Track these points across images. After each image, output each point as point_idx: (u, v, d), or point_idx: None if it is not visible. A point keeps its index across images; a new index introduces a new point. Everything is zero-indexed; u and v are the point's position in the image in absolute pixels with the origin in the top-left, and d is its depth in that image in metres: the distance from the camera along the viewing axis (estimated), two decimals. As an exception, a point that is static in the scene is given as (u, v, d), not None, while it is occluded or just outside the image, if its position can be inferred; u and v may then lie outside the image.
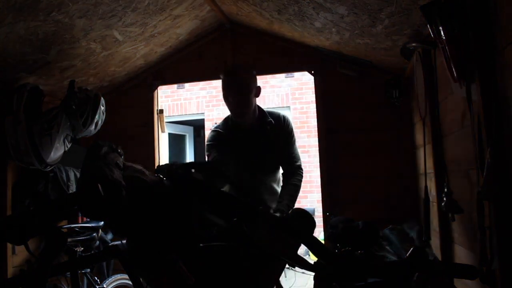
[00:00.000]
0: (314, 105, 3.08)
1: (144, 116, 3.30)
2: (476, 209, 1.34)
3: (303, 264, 1.20)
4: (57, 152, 2.43)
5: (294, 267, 1.29)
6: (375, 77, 2.88)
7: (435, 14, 1.39)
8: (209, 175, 1.31)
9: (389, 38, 2.17)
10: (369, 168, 2.89)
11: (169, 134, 6.42)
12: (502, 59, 1.20)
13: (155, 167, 1.36)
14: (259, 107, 2.28)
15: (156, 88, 3.31)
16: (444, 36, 1.37)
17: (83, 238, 2.53)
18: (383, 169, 2.87)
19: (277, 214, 2.00)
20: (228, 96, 2.16)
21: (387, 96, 2.79)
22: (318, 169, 3.06)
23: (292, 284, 3.38)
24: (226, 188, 2.10)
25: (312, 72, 3.04)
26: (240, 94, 2.13)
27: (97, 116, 2.63)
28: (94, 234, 2.60)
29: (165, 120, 3.42)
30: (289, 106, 6.79)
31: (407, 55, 2.25)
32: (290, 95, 6.83)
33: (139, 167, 1.36)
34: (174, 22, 2.68)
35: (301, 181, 2.26)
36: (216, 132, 2.29)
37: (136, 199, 1.24)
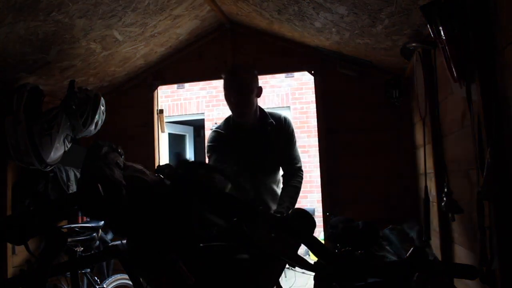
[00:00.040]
0: (314, 105, 3.08)
1: (144, 116, 3.30)
2: (476, 209, 1.34)
3: (303, 264, 1.20)
4: (57, 152, 2.43)
5: (294, 267, 1.29)
6: (375, 77, 2.88)
7: (435, 14, 1.39)
8: (209, 175, 1.31)
9: (389, 38, 2.17)
10: (369, 168, 2.89)
11: (169, 134, 6.42)
12: (502, 59, 1.20)
13: (155, 167, 1.36)
14: (260, 108, 2.28)
15: (156, 88, 3.31)
16: (444, 36, 1.37)
17: (83, 238, 2.53)
18: (383, 169, 2.87)
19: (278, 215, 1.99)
20: (230, 96, 2.16)
21: (387, 96, 2.79)
22: (318, 169, 3.06)
23: (292, 284, 3.38)
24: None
25: (312, 72, 3.04)
26: (241, 94, 2.13)
27: (97, 116, 2.63)
28: (94, 234, 2.60)
29: (165, 120, 3.42)
30: (289, 106, 6.79)
31: (407, 55, 2.25)
32: (290, 95, 6.83)
33: (139, 167, 1.36)
34: (174, 22, 2.68)
35: (301, 182, 2.26)
36: (216, 133, 2.29)
37: (137, 199, 1.23)
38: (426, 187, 2.16)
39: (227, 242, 1.29)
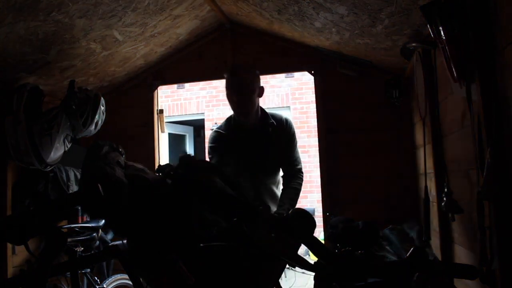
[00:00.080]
0: (314, 105, 3.08)
1: (144, 116, 3.30)
2: (476, 209, 1.34)
3: (303, 264, 1.20)
4: (57, 152, 2.43)
5: (294, 267, 1.29)
6: (375, 77, 2.88)
7: (435, 14, 1.39)
8: (209, 175, 1.31)
9: (389, 38, 2.17)
10: (369, 168, 2.89)
11: (169, 134, 6.42)
12: (502, 59, 1.20)
13: (156, 167, 1.36)
14: (261, 108, 2.29)
15: (156, 88, 3.31)
16: (444, 36, 1.37)
17: (83, 238, 2.53)
18: (383, 169, 2.87)
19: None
20: (232, 95, 2.16)
21: (387, 96, 2.79)
22: (318, 169, 3.06)
23: (292, 284, 3.38)
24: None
25: (312, 72, 3.04)
26: (243, 93, 2.13)
27: (97, 116, 2.63)
28: (94, 234, 2.60)
29: (165, 120, 3.42)
30: (289, 106, 6.79)
31: (407, 55, 2.25)
32: (290, 95, 6.83)
33: (140, 166, 1.36)
34: (174, 22, 2.68)
35: (301, 184, 2.26)
36: (217, 133, 2.29)
37: (139, 197, 1.23)
38: (426, 187, 2.16)
39: (227, 242, 1.29)
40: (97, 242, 2.65)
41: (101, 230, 2.69)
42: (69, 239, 2.42)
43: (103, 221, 2.69)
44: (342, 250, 1.50)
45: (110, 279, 2.66)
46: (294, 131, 2.31)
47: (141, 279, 1.46)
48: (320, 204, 3.02)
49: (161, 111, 3.33)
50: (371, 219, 1.69)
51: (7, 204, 2.47)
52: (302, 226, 1.20)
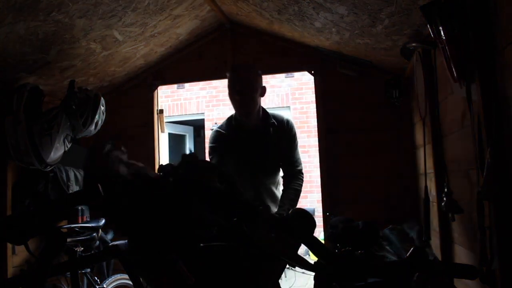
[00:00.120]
0: (314, 105, 3.08)
1: (144, 116, 3.30)
2: (476, 209, 1.34)
3: (303, 264, 1.20)
4: (57, 152, 2.43)
5: (294, 267, 1.29)
6: (375, 77, 2.88)
7: (435, 14, 1.39)
8: (209, 175, 1.31)
9: (389, 38, 2.17)
10: (369, 168, 2.89)
11: (169, 134, 6.42)
12: (502, 59, 1.20)
13: (157, 167, 1.36)
14: (263, 108, 2.29)
15: (156, 88, 3.31)
16: (444, 36, 1.37)
17: (83, 238, 2.53)
18: (383, 169, 2.87)
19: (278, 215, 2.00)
20: (234, 94, 2.16)
21: (387, 96, 2.79)
22: (318, 169, 3.06)
23: (292, 284, 3.38)
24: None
25: (312, 72, 3.04)
26: (246, 92, 2.14)
27: (97, 116, 2.63)
28: (94, 234, 2.60)
29: (165, 120, 3.42)
30: (289, 106, 6.79)
31: (407, 55, 2.25)
32: (290, 95, 6.83)
33: (141, 165, 1.36)
34: (174, 22, 2.68)
35: (301, 185, 2.26)
36: (218, 133, 2.29)
37: (142, 195, 1.23)
38: (426, 187, 2.16)
39: (227, 242, 1.29)
40: (97, 242, 2.65)
41: (101, 230, 2.69)
42: (69, 239, 2.42)
43: (103, 221, 2.69)
44: (342, 250, 1.50)
45: (110, 279, 2.66)
46: (295, 132, 2.31)
47: (141, 279, 1.46)
48: (320, 204, 3.02)
49: (161, 111, 3.33)
50: (371, 219, 1.69)
51: (7, 204, 2.47)
52: (302, 226, 1.20)
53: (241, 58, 3.12)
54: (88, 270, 2.55)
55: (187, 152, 1.31)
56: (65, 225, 2.61)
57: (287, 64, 3.13)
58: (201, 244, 1.30)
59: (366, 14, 1.98)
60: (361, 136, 2.92)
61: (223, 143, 2.23)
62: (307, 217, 1.24)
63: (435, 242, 2.14)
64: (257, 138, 2.23)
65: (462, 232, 1.74)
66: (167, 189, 1.27)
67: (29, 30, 1.98)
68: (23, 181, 2.57)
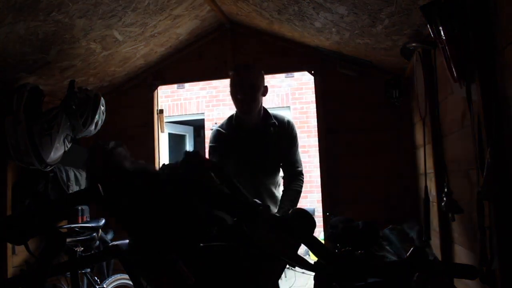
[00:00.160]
0: (314, 105, 3.08)
1: (144, 116, 3.30)
2: (476, 209, 1.34)
3: (303, 264, 1.20)
4: (57, 152, 2.43)
5: (294, 267, 1.29)
6: (375, 77, 2.88)
7: (435, 14, 1.39)
8: (209, 175, 1.31)
9: (389, 38, 2.17)
10: (369, 168, 2.89)
11: (169, 134, 6.43)
12: (502, 59, 1.20)
13: (159, 167, 1.37)
14: (264, 108, 2.29)
15: (156, 88, 3.31)
16: (444, 36, 1.37)
17: (83, 238, 2.53)
18: (383, 169, 2.87)
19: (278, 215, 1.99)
20: (236, 93, 2.17)
21: (387, 96, 2.79)
22: (318, 169, 3.06)
23: (292, 284, 3.38)
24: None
25: (312, 72, 3.04)
26: (248, 91, 2.14)
27: (97, 116, 2.63)
28: (94, 234, 2.60)
29: (165, 120, 3.43)
30: (289, 106, 6.79)
31: (407, 55, 2.25)
32: (290, 95, 6.83)
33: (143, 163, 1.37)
34: (174, 22, 2.68)
35: (302, 186, 2.26)
36: (218, 132, 2.29)
37: (145, 191, 1.23)
38: (426, 187, 2.16)
39: (227, 242, 1.29)
40: (97, 242, 2.65)
41: (101, 230, 2.69)
42: (69, 239, 2.42)
43: (103, 221, 2.69)
44: (342, 250, 1.50)
45: (110, 279, 2.66)
46: (296, 133, 2.31)
47: (141, 279, 1.46)
48: (320, 204, 3.02)
49: (161, 111, 3.33)
50: (371, 219, 1.69)
51: (7, 204, 2.47)
52: (302, 226, 1.20)
53: (241, 58, 3.12)
54: (88, 270, 2.54)
55: (194, 149, 1.31)
56: (65, 225, 2.61)
57: (287, 64, 3.13)
58: (201, 244, 1.30)
59: (366, 14, 1.98)
60: (361, 136, 2.92)
61: (223, 143, 2.23)
62: (307, 217, 1.24)
63: (435, 242, 2.14)
64: (258, 137, 2.23)
65: (462, 232, 1.74)
66: (167, 188, 1.27)
67: (29, 30, 1.98)
68: (23, 181, 2.57)
